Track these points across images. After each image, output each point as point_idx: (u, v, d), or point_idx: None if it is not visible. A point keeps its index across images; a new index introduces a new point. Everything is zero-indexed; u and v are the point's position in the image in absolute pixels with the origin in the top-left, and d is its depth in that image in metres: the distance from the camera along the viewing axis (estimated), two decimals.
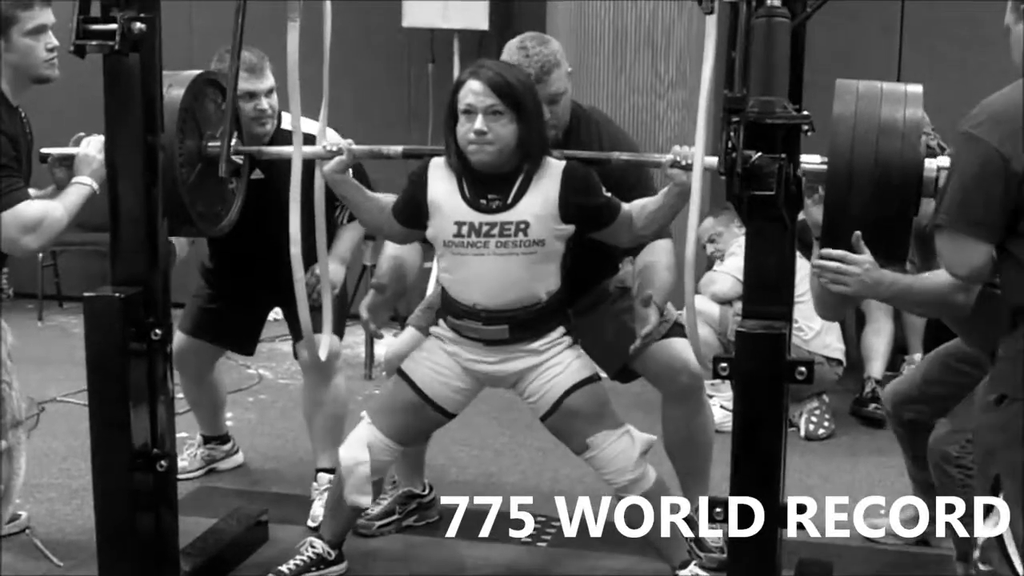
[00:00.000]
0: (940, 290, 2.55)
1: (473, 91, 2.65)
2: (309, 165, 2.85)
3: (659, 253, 2.97)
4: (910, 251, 2.83)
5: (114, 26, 2.43)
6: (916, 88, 2.33)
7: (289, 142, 2.83)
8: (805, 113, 2.27)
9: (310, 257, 2.96)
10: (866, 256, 2.33)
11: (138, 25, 2.45)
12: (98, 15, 2.46)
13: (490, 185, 2.71)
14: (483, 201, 2.70)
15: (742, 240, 4.62)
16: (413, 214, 2.80)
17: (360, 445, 2.87)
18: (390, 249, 3.12)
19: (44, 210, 2.84)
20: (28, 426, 1.14)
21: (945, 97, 5.00)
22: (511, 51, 2.93)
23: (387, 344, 3.50)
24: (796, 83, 2.34)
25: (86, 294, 2.63)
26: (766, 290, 2.38)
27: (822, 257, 2.37)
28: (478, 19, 5.42)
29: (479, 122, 2.63)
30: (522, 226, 2.69)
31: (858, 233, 2.30)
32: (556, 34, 5.12)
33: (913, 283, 2.58)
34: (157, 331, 2.65)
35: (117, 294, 2.61)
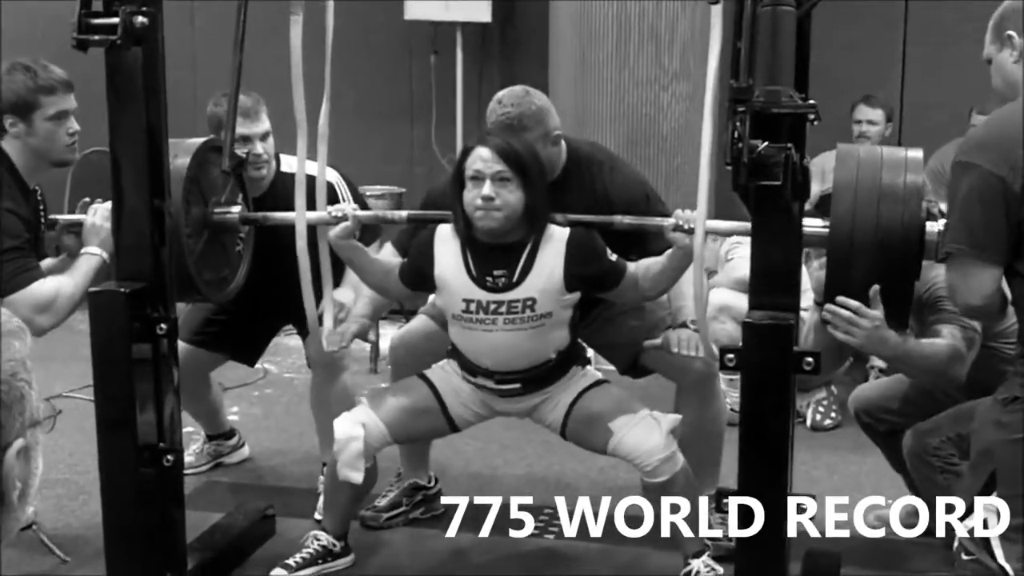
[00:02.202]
0: (939, 359, 2.71)
1: (481, 158, 2.67)
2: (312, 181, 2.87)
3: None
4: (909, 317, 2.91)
5: (116, 20, 2.42)
6: (916, 153, 2.36)
7: (290, 185, 2.84)
8: (811, 102, 2.26)
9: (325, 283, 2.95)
10: (878, 312, 2.39)
11: (140, 19, 2.44)
12: (100, 9, 2.46)
13: (496, 258, 2.73)
14: (489, 279, 2.73)
15: (736, 238, 4.60)
16: (419, 282, 2.85)
17: (355, 423, 2.89)
18: (368, 289, 3.12)
19: (56, 289, 2.88)
20: (45, 426, 1.14)
21: (948, 90, 5.03)
22: (489, 110, 2.94)
23: (391, 337, 3.51)
24: (802, 73, 2.33)
25: (91, 289, 2.64)
26: (773, 281, 2.37)
27: (837, 304, 2.41)
28: (480, 12, 5.41)
29: (487, 188, 2.65)
30: (529, 303, 2.72)
31: (876, 287, 2.34)
32: (558, 27, 5.12)
33: (914, 348, 2.70)
34: (162, 325, 2.64)
35: (122, 289, 2.60)
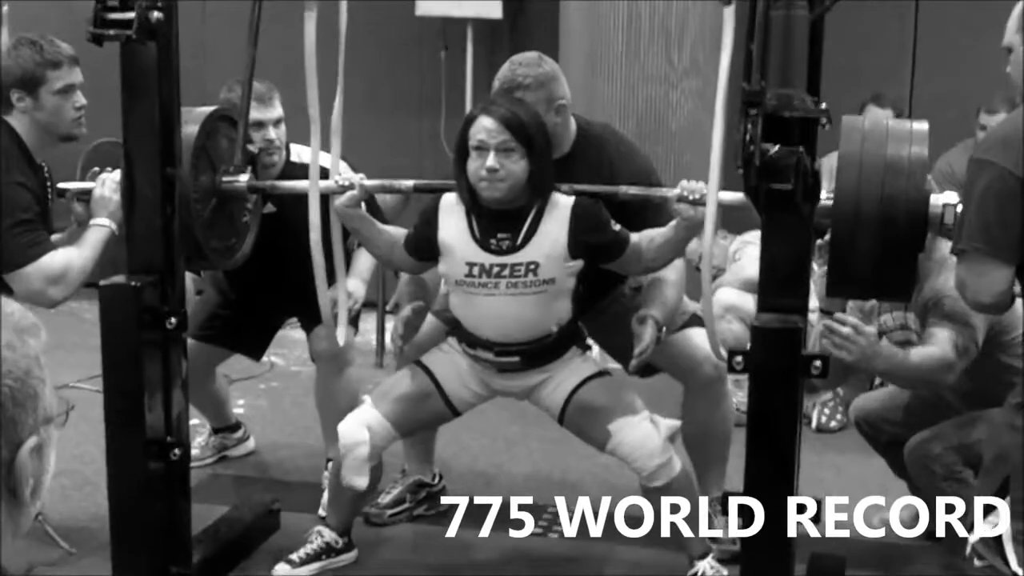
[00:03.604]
0: (927, 370, 2.73)
1: (485, 128, 2.66)
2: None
3: (668, 269, 2.94)
4: (916, 323, 2.89)
5: (132, 15, 2.43)
6: (922, 125, 2.34)
7: (299, 176, 2.84)
8: (823, 106, 2.26)
9: (332, 276, 2.95)
10: (873, 330, 2.42)
11: (156, 14, 2.45)
12: (116, 4, 2.46)
13: (500, 224, 2.72)
14: (493, 242, 2.73)
15: (746, 237, 4.58)
16: (425, 249, 2.84)
17: (360, 426, 2.88)
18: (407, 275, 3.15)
19: (67, 261, 2.89)
20: (58, 423, 1.14)
21: (960, 84, 5.02)
22: (503, 68, 2.95)
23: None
24: (814, 76, 2.33)
25: (101, 283, 2.64)
26: (782, 283, 2.37)
27: (837, 321, 2.43)
28: (491, 8, 5.40)
29: (491, 159, 2.64)
30: (532, 267, 2.71)
31: (873, 303, 2.34)
32: (569, 23, 5.12)
33: (904, 362, 2.72)
34: (172, 319, 2.65)
35: (132, 282, 2.61)
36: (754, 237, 4.42)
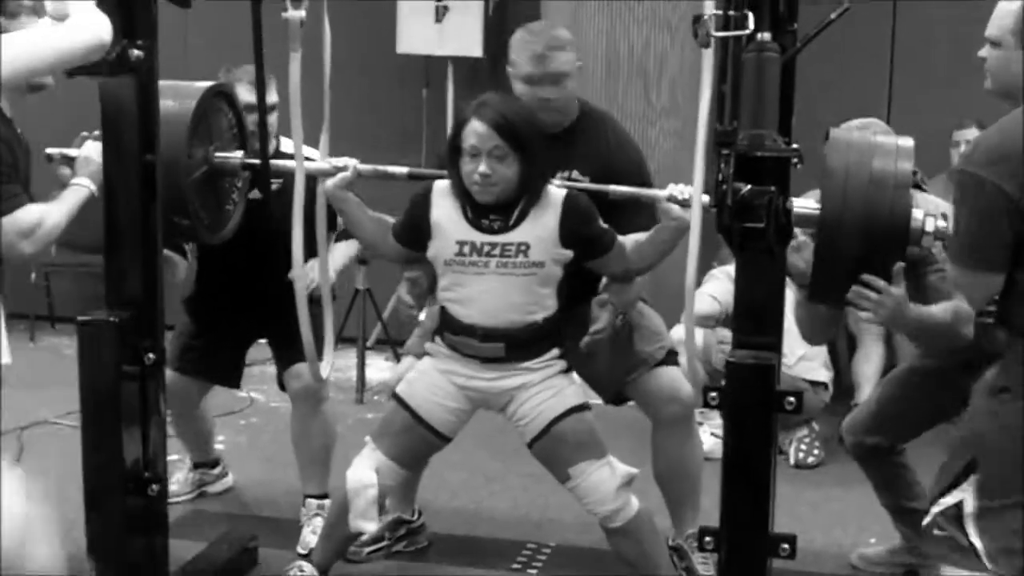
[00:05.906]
0: (953, 323, 2.72)
1: (477, 132, 2.68)
2: (311, 184, 2.89)
3: None
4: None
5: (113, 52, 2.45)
6: (907, 142, 2.38)
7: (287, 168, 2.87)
8: (795, 146, 2.30)
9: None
10: (901, 291, 2.43)
11: (135, 52, 2.47)
12: None
13: (492, 208, 2.75)
14: (485, 222, 2.75)
15: (714, 272, 4.58)
16: (414, 235, 2.84)
17: (367, 469, 2.86)
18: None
19: (41, 215, 2.83)
20: (13, 458, 1.16)
21: (934, 125, 5.08)
22: (517, 37, 3.07)
23: (381, 370, 3.51)
24: (786, 116, 2.37)
25: (79, 318, 2.64)
26: (755, 320, 2.39)
27: (864, 284, 2.45)
28: (472, 46, 5.46)
29: (483, 166, 2.67)
30: (523, 247, 2.73)
31: (901, 265, 2.36)
32: None
33: (930, 319, 2.71)
34: (151, 355, 2.65)
35: (111, 318, 2.62)
36: (718, 272, 4.43)
